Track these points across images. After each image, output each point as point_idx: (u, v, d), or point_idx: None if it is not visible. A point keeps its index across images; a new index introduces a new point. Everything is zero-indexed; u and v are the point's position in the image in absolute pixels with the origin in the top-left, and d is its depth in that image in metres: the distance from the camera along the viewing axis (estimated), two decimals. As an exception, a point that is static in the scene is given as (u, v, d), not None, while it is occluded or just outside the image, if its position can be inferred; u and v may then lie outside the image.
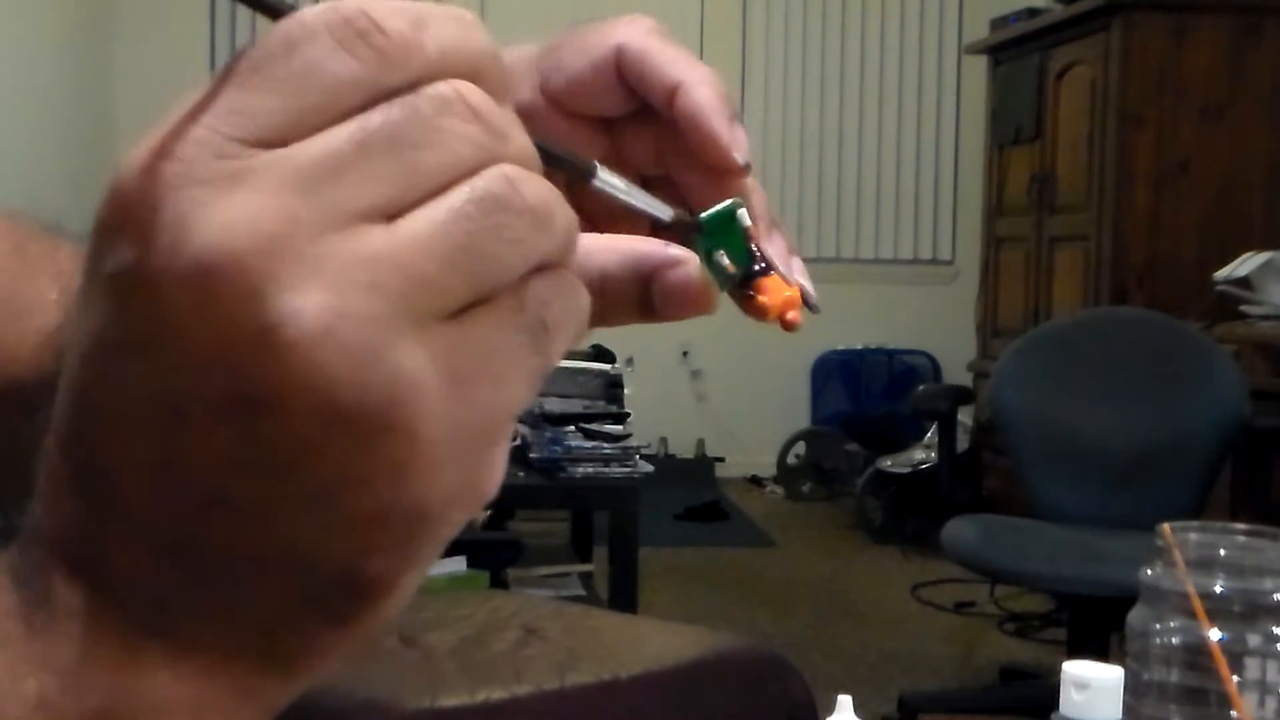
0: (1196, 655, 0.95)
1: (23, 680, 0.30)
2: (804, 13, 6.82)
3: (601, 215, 0.43)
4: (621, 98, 0.44)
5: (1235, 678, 0.94)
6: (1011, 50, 5.44)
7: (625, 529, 3.13)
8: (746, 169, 0.43)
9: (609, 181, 0.38)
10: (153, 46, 6.40)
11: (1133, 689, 1.00)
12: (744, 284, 0.41)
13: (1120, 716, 0.99)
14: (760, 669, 1.97)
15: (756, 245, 0.42)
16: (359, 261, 0.29)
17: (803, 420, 6.66)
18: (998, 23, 5.62)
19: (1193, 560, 0.98)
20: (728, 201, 0.41)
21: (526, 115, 0.34)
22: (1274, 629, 0.97)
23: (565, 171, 0.37)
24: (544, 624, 2.01)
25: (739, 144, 0.42)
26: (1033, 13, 5.31)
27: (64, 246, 0.61)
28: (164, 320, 0.29)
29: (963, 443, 5.00)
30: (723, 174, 0.44)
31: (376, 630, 0.33)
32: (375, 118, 0.30)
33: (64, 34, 5.73)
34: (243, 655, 0.31)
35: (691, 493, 5.86)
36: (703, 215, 0.41)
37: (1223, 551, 1.01)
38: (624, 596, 3.09)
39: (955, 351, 6.25)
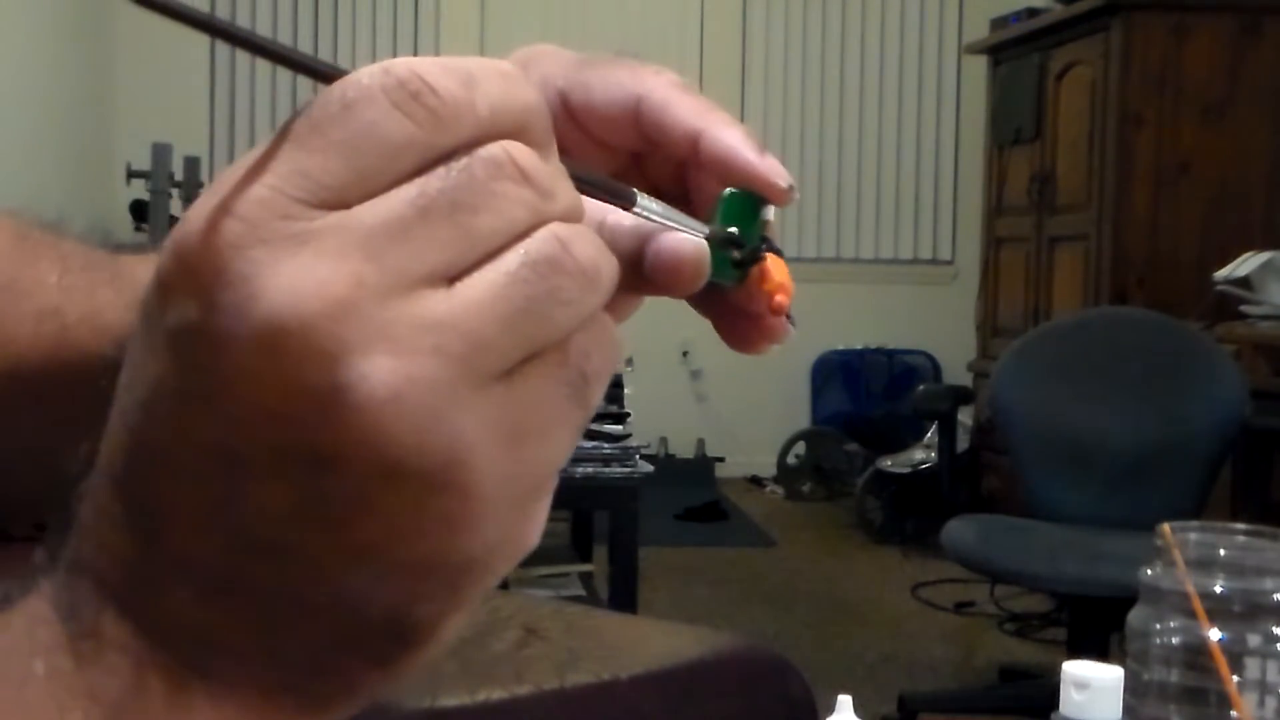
0: (1196, 655, 0.95)
1: (69, 713, 0.31)
2: (804, 13, 6.82)
3: None
4: (636, 138, 0.45)
5: (1235, 678, 0.94)
6: (1011, 50, 5.44)
7: (625, 529, 3.13)
8: (791, 190, 0.43)
9: (648, 208, 0.39)
10: (153, 47, 6.40)
11: (1133, 689, 0.99)
12: (743, 265, 0.42)
13: (1120, 716, 0.99)
14: (760, 669, 1.97)
15: (769, 236, 0.43)
16: (423, 326, 0.30)
17: (803, 420, 6.66)
18: (998, 23, 5.62)
19: (1193, 560, 0.98)
20: (731, 190, 0.42)
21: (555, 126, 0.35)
22: (1274, 629, 0.97)
23: (604, 198, 0.38)
24: (544, 624, 2.01)
25: (776, 170, 0.43)
26: (1033, 13, 5.31)
27: (66, 238, 0.62)
28: (230, 377, 0.30)
29: (963, 443, 5.00)
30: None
31: (409, 674, 0.33)
32: (433, 183, 0.31)
33: (64, 34, 5.72)
34: (285, 694, 0.32)
35: (691, 493, 5.86)
36: (728, 191, 0.42)
37: (1223, 551, 1.01)
38: (624, 596, 3.09)
39: (955, 351, 6.25)
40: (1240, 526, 1.05)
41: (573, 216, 0.33)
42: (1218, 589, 0.97)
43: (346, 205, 0.31)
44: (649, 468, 3.29)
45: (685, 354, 6.78)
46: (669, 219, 0.40)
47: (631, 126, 0.44)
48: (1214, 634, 0.93)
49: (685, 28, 6.66)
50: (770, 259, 0.42)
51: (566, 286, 0.32)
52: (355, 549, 0.31)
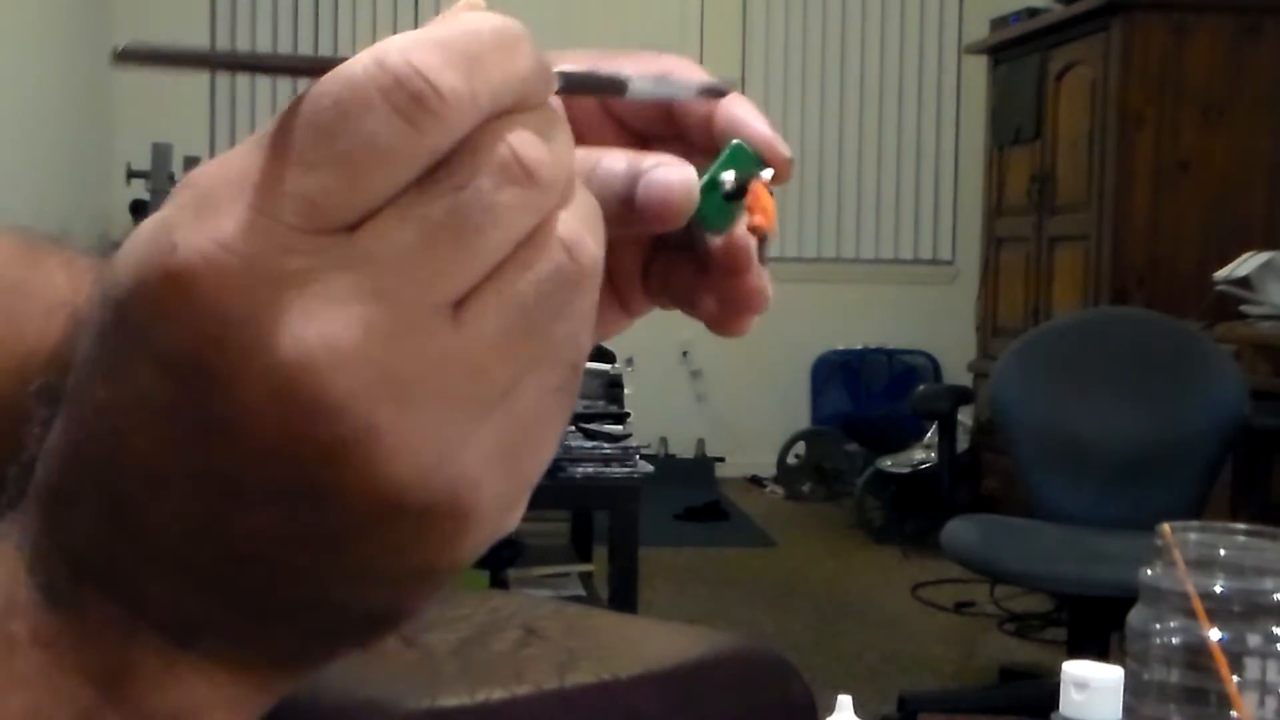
0: (1196, 655, 0.95)
1: (60, 687, 0.31)
2: (804, 13, 6.82)
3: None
4: (666, 126, 0.45)
5: (1235, 678, 0.94)
6: (1011, 50, 5.44)
7: (625, 529, 3.13)
8: (791, 163, 0.44)
9: (640, 89, 0.39)
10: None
11: (1133, 689, 0.99)
12: (734, 197, 0.42)
13: (1120, 716, 0.99)
14: (760, 669, 1.97)
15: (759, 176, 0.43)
16: (430, 367, 0.30)
17: (803, 420, 6.66)
18: (998, 23, 5.62)
19: (1193, 560, 0.98)
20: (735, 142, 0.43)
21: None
22: (1274, 629, 0.97)
23: (599, 92, 0.38)
24: (544, 624, 2.01)
25: (781, 141, 0.44)
26: (1033, 13, 5.31)
27: (71, 248, 0.63)
28: (229, 414, 0.29)
29: (963, 443, 5.00)
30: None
31: (390, 637, 0.34)
32: (439, 204, 0.30)
33: (64, 34, 5.72)
34: (266, 666, 0.33)
35: (691, 493, 5.86)
36: (734, 142, 0.43)
37: (1223, 551, 1.01)
38: (624, 596, 3.09)
39: (955, 351, 6.25)
40: (1240, 526, 1.05)
41: (579, 207, 0.32)
42: (1218, 589, 0.97)
43: (348, 225, 0.30)
44: (649, 468, 3.29)
45: (685, 354, 6.77)
46: (662, 88, 0.41)
47: (663, 115, 0.44)
48: (1214, 634, 0.93)
49: (685, 28, 6.66)
50: (759, 188, 0.42)
51: (572, 298, 0.32)
52: (347, 568, 0.31)
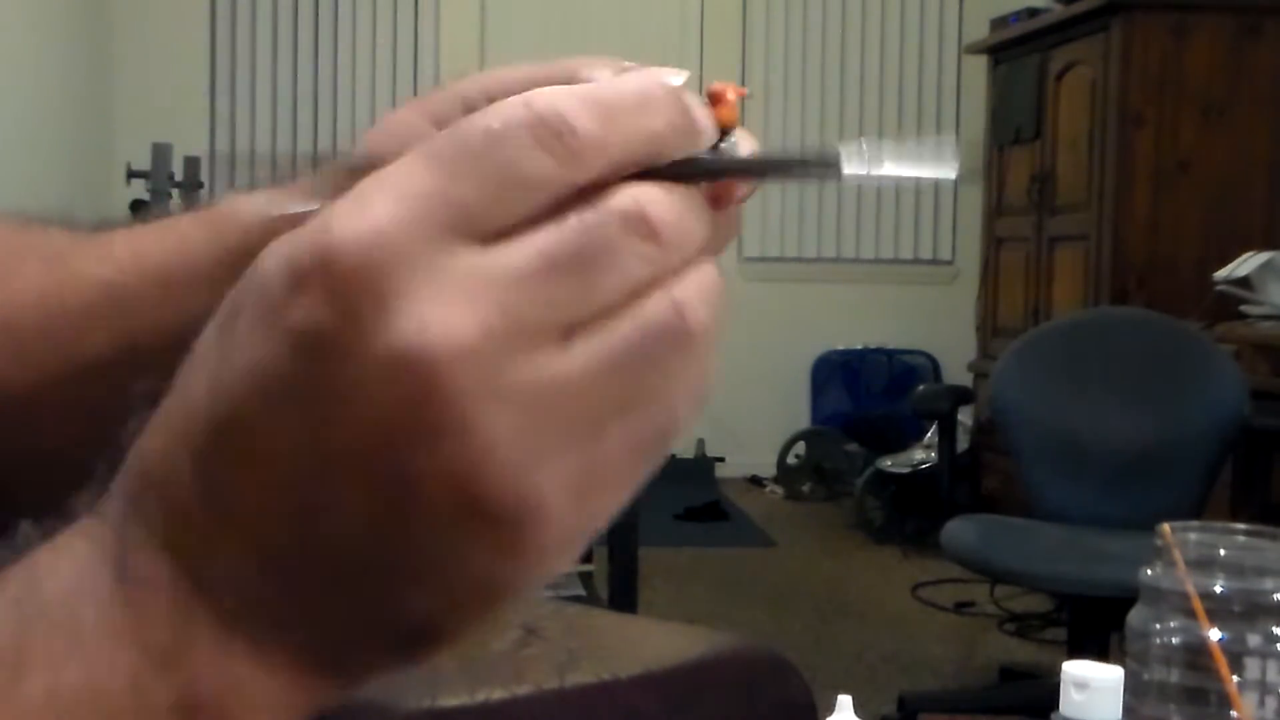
0: (1196, 655, 0.95)
1: (119, 662, 0.33)
2: (804, 13, 6.81)
3: None
4: None
5: (1235, 678, 0.94)
6: (1011, 50, 5.44)
7: (625, 529, 3.13)
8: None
9: (856, 174, 0.37)
10: (152, 46, 6.40)
11: (1133, 689, 1.00)
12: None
13: (1120, 716, 0.99)
14: (760, 669, 1.97)
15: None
16: (534, 386, 0.32)
17: (803, 420, 6.66)
18: (998, 23, 5.62)
19: (1193, 560, 0.98)
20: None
21: None
22: (1274, 629, 0.97)
23: (743, 178, 0.38)
24: (544, 624, 2.01)
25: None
26: (1033, 13, 5.30)
27: (53, 226, 0.64)
28: (346, 389, 0.32)
29: (963, 443, 4.99)
30: None
31: (427, 664, 0.36)
32: (568, 237, 0.33)
33: (64, 34, 5.73)
34: (311, 662, 0.35)
35: (691, 493, 5.85)
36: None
37: (1223, 551, 1.01)
38: (624, 596, 3.09)
39: (955, 351, 6.25)
40: (1240, 526, 1.05)
41: (698, 258, 0.34)
42: (1218, 589, 0.97)
43: (484, 238, 0.33)
44: (649, 468, 3.28)
45: (685, 354, 6.77)
46: (888, 175, 0.38)
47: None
48: (1214, 634, 0.93)
49: (685, 28, 6.66)
50: (720, 90, 0.40)
51: (675, 359, 0.34)
52: (416, 566, 0.33)
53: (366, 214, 0.32)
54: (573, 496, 0.33)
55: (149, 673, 0.33)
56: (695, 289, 0.34)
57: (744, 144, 0.39)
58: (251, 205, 0.58)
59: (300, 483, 0.33)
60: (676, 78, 0.40)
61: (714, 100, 0.39)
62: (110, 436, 0.35)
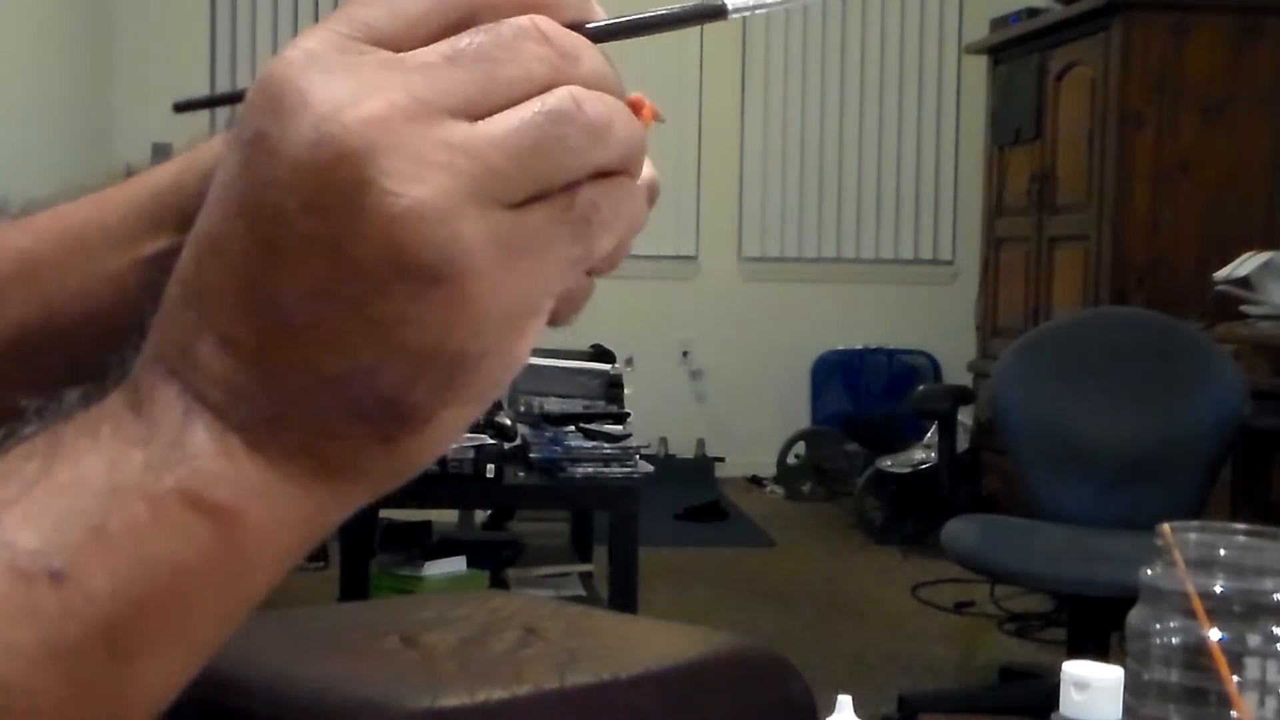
0: (1196, 655, 0.95)
1: (124, 460, 0.37)
2: (804, 13, 6.81)
3: None
4: None
5: (1235, 678, 0.94)
6: (1011, 50, 5.44)
7: (625, 529, 3.13)
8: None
9: (742, 5, 0.43)
10: (153, 46, 6.40)
11: (1133, 689, 1.00)
12: None
13: (1120, 716, 0.99)
14: (760, 669, 1.97)
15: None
16: (442, 146, 0.36)
17: (803, 420, 6.66)
18: (998, 23, 5.62)
19: (1193, 560, 0.98)
20: None
21: None
22: (1274, 629, 0.97)
23: (697, 19, 0.43)
24: (544, 624, 2.01)
25: None
26: (1033, 13, 5.31)
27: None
28: (278, 172, 0.36)
29: (963, 443, 5.00)
30: None
31: (412, 463, 0.39)
32: (465, 39, 0.38)
33: (64, 34, 5.73)
34: (303, 455, 0.38)
35: (691, 493, 5.86)
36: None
37: (1223, 551, 1.01)
38: (624, 596, 3.09)
39: (955, 351, 6.25)
40: (1240, 526, 1.05)
41: (595, 82, 0.38)
42: (1218, 589, 0.97)
43: (394, 48, 0.37)
44: (649, 468, 3.29)
45: (685, 354, 6.78)
46: (764, 2, 0.43)
47: None
48: (1214, 634, 0.93)
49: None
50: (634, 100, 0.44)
51: (573, 136, 0.37)
52: (368, 328, 0.36)
53: (296, 44, 0.37)
54: (500, 251, 0.36)
55: (157, 463, 0.37)
56: (593, 92, 0.38)
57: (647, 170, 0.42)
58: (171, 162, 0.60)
59: (256, 274, 0.37)
60: None
61: (632, 108, 0.42)
62: (45, 408, 0.39)
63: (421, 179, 0.36)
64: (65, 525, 0.36)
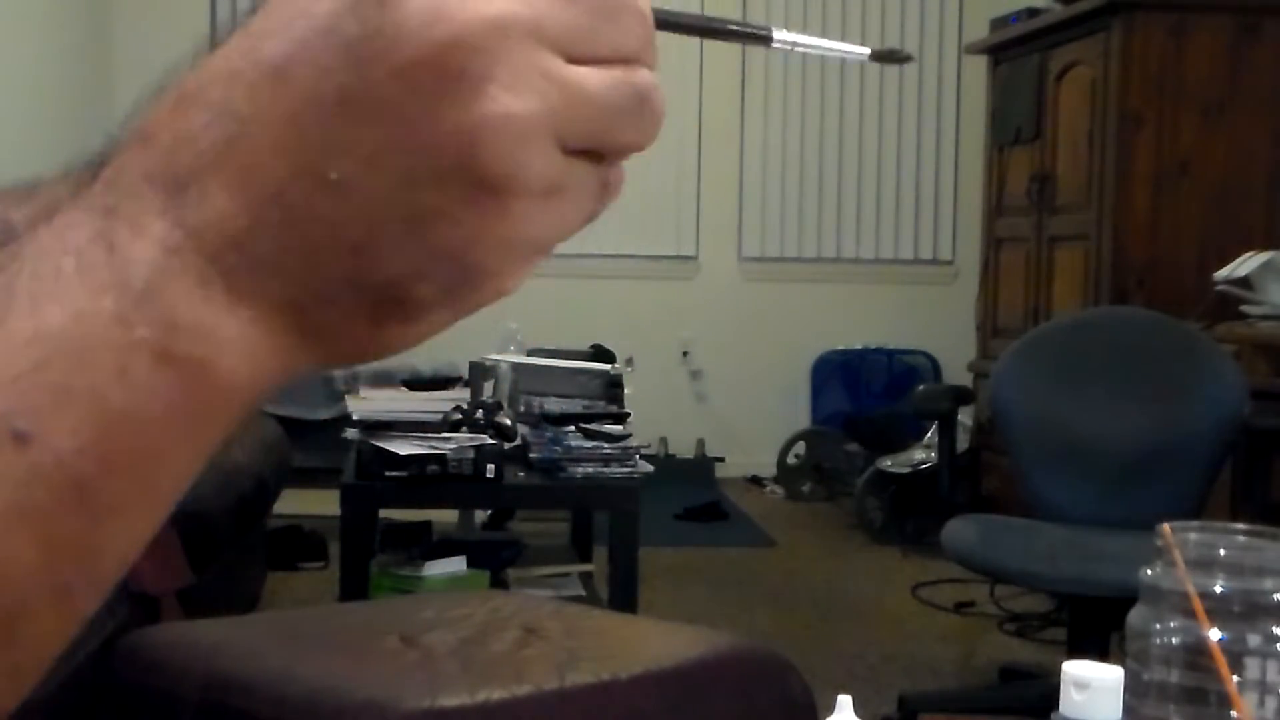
0: (1196, 655, 0.95)
1: (100, 299, 0.35)
2: (804, 13, 6.82)
3: None
4: None
5: (1235, 678, 0.94)
6: (1011, 50, 5.44)
7: (625, 529, 3.13)
8: None
9: (785, 39, 0.46)
10: (153, 45, 6.39)
11: (1133, 689, 1.00)
12: None
13: (1120, 716, 0.99)
14: (760, 669, 1.97)
15: None
16: (542, 73, 0.37)
17: (803, 420, 6.66)
18: (998, 23, 5.62)
19: (1193, 560, 0.98)
20: None
21: None
22: (1274, 629, 0.97)
23: (747, 38, 0.46)
24: (544, 624, 2.01)
25: None
26: (1033, 13, 5.30)
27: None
28: (389, 29, 0.35)
29: (963, 443, 4.99)
30: None
31: (385, 348, 0.39)
32: None
33: (63, 33, 5.73)
34: (289, 311, 0.37)
35: (691, 493, 5.85)
36: None
37: (1223, 551, 1.01)
38: (624, 596, 3.08)
39: (955, 351, 6.25)
40: (1240, 526, 1.05)
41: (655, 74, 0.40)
42: (1218, 589, 0.97)
43: None
44: (649, 468, 3.28)
45: (685, 354, 6.77)
46: (818, 46, 0.46)
47: None
48: (1214, 634, 0.93)
49: (685, 28, 6.66)
50: None
51: (644, 118, 0.39)
52: (407, 209, 0.36)
53: None
54: (545, 195, 0.37)
55: (128, 311, 0.35)
56: (659, 88, 0.40)
57: None
58: None
59: (324, 120, 0.36)
60: None
61: None
62: None
63: (519, 95, 0.36)
64: (28, 385, 0.35)
